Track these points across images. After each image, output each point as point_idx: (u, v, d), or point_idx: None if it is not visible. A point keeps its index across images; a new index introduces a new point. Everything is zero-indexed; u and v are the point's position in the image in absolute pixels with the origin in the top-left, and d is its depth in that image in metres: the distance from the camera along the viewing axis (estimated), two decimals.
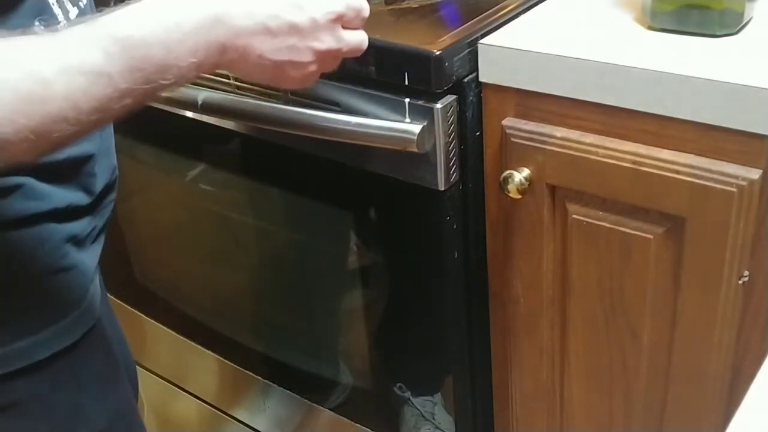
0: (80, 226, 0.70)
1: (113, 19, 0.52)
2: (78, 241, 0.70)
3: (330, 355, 1.17)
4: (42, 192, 0.66)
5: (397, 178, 0.87)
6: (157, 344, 1.42)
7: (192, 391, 1.44)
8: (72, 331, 0.70)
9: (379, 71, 0.83)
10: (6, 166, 0.52)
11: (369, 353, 1.09)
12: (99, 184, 0.72)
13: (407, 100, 0.82)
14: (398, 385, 1.05)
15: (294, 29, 0.60)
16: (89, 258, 0.73)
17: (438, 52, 0.79)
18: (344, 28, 0.64)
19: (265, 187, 1.08)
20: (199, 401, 1.44)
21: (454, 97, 0.82)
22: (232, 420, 1.39)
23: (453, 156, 0.85)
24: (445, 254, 0.91)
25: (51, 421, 0.71)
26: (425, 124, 0.81)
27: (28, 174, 0.65)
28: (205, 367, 1.36)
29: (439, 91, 0.81)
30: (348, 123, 0.85)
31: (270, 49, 0.60)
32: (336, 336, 1.16)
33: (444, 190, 0.86)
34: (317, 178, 0.99)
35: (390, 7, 0.94)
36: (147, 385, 1.57)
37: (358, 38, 0.66)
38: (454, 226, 0.90)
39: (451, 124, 0.83)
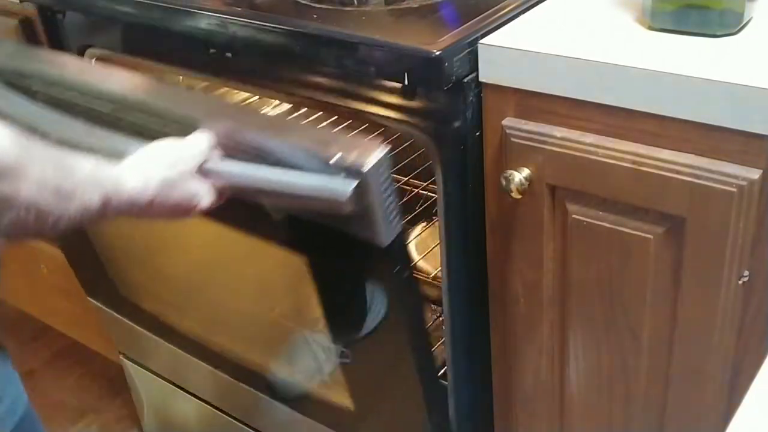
0: None
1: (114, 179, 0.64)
2: None
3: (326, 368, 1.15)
4: None
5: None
6: (156, 346, 1.41)
7: (192, 391, 1.44)
8: None
9: (379, 71, 0.83)
10: None
11: None
12: None
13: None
14: None
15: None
16: None
17: (438, 52, 0.79)
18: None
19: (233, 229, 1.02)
20: (200, 401, 1.44)
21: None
22: (233, 420, 1.39)
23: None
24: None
25: None
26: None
27: None
28: (201, 376, 1.36)
29: (439, 91, 0.81)
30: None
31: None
32: (330, 342, 1.15)
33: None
34: None
35: (390, 7, 0.94)
36: (147, 385, 1.57)
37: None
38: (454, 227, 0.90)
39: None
